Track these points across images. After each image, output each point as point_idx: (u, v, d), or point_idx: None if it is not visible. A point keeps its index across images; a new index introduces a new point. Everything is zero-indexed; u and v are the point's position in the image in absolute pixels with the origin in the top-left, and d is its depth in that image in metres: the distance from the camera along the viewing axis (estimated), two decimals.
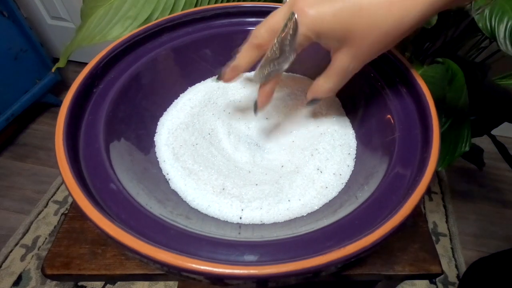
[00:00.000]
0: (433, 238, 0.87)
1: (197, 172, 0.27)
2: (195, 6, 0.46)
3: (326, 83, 0.27)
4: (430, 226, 0.90)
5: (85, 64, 0.27)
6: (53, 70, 0.51)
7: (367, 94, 0.30)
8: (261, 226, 0.24)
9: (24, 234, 0.85)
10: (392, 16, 0.21)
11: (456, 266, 0.82)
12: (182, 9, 0.45)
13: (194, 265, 0.17)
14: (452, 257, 0.84)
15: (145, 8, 0.43)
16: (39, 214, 0.89)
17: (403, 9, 0.21)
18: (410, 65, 0.28)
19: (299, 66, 0.36)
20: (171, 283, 0.78)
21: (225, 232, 0.23)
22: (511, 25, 0.44)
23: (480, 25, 0.45)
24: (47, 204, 0.91)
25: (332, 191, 0.26)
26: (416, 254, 0.27)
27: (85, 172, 0.22)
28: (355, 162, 0.28)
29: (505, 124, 0.58)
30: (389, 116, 0.27)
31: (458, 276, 0.80)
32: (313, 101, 0.28)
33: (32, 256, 0.82)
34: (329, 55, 0.26)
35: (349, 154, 0.29)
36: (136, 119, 0.29)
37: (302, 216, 0.25)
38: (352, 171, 0.27)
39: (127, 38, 0.30)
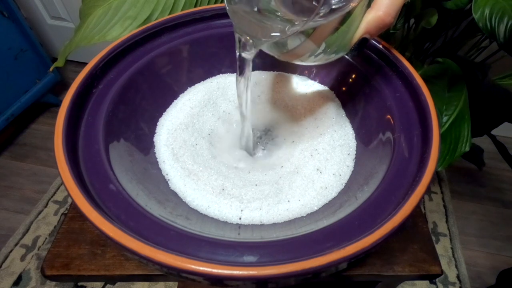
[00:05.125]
0: (433, 238, 0.87)
1: (196, 172, 0.27)
2: (195, 6, 0.46)
3: (382, 8, 0.22)
4: (430, 226, 0.90)
5: (85, 64, 0.27)
6: (51, 69, 0.51)
7: (366, 94, 0.30)
8: (261, 226, 0.24)
9: (24, 234, 0.85)
10: None
11: (456, 266, 0.82)
12: (182, 9, 0.45)
13: (193, 266, 0.17)
14: (452, 257, 0.84)
15: (145, 8, 0.43)
16: (39, 214, 0.89)
17: None
18: (410, 65, 0.28)
19: (299, 67, 0.36)
20: (171, 283, 0.78)
21: (224, 232, 0.23)
22: (511, 25, 0.43)
23: (480, 25, 0.45)
24: (47, 204, 0.91)
25: (332, 191, 0.26)
26: (416, 255, 0.27)
27: (84, 172, 0.22)
28: (355, 162, 0.28)
29: (505, 124, 0.58)
30: (389, 116, 0.27)
31: (458, 276, 0.80)
32: (361, 44, 0.23)
33: (32, 256, 0.81)
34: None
35: (348, 154, 0.29)
36: (136, 120, 0.29)
37: (302, 217, 0.25)
38: (352, 171, 0.27)
39: (126, 39, 0.30)
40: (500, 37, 0.44)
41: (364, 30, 0.22)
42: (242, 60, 0.24)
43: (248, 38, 0.23)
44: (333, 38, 0.22)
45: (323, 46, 0.22)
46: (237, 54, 0.24)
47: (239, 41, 0.23)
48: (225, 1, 0.22)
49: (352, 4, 0.20)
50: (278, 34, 0.20)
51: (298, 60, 0.24)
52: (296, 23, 0.19)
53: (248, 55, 0.24)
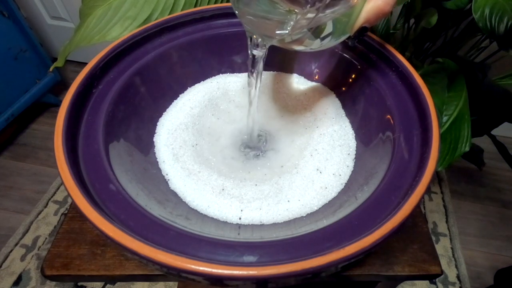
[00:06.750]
0: (433, 238, 0.87)
1: (196, 172, 0.27)
2: (195, 6, 0.46)
3: None
4: (430, 226, 0.90)
5: (85, 64, 0.27)
6: (50, 69, 0.50)
7: (366, 94, 0.30)
8: (261, 226, 0.24)
9: (24, 234, 0.85)
10: None
11: (456, 266, 0.82)
12: (182, 9, 0.45)
13: (193, 266, 0.17)
14: (452, 257, 0.84)
15: (145, 8, 0.43)
16: (39, 214, 0.89)
17: None
18: (410, 65, 0.28)
19: (299, 67, 0.36)
20: (171, 283, 0.78)
21: (224, 232, 0.23)
22: (511, 25, 0.43)
23: (480, 25, 0.45)
24: (47, 204, 0.91)
25: (332, 191, 0.26)
26: (416, 255, 0.27)
27: (84, 173, 0.22)
28: (355, 162, 0.28)
29: (505, 124, 0.58)
30: (388, 116, 0.27)
31: (458, 276, 0.80)
32: (360, 32, 0.24)
33: (32, 256, 0.81)
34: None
35: (348, 154, 0.29)
36: (136, 120, 0.29)
37: (302, 217, 0.25)
38: (352, 171, 0.27)
39: (126, 39, 0.30)
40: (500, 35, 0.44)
41: (364, 19, 0.23)
42: (254, 57, 0.25)
43: (255, 36, 0.24)
44: (334, 27, 0.23)
45: (323, 34, 0.23)
46: (249, 51, 0.25)
47: (250, 39, 0.24)
48: (232, 5, 0.22)
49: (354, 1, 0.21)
50: (285, 31, 0.21)
51: (301, 46, 0.24)
52: (304, 14, 0.20)
53: (259, 52, 0.25)
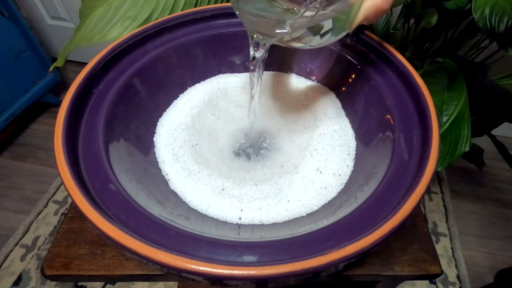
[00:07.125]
0: (433, 238, 0.87)
1: (196, 172, 0.27)
2: (195, 6, 0.46)
3: None
4: (430, 226, 0.90)
5: (85, 64, 0.27)
6: (50, 69, 0.51)
7: (366, 94, 0.30)
8: (261, 226, 0.24)
9: (24, 234, 0.85)
10: None
11: (456, 266, 0.82)
12: (182, 9, 0.45)
13: (193, 266, 0.17)
14: (452, 257, 0.84)
15: (145, 8, 0.43)
16: (39, 214, 0.89)
17: None
18: (410, 65, 0.28)
19: (298, 67, 0.36)
20: (171, 283, 0.78)
21: (224, 232, 0.23)
22: (511, 25, 0.43)
23: (480, 25, 0.45)
24: (47, 204, 0.91)
25: (332, 191, 0.26)
26: (416, 255, 0.27)
27: (84, 172, 0.22)
28: (355, 162, 0.28)
29: (505, 124, 0.58)
30: (388, 116, 0.27)
31: (458, 276, 0.80)
32: (359, 30, 0.24)
33: (32, 256, 0.81)
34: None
35: (348, 154, 0.29)
36: (136, 120, 0.29)
37: (302, 217, 0.25)
38: (352, 171, 0.27)
39: (126, 39, 0.30)
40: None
41: (363, 16, 0.23)
42: (255, 56, 0.25)
43: (255, 36, 0.24)
44: (333, 24, 0.23)
45: (322, 31, 0.23)
46: (251, 50, 0.25)
47: (251, 38, 0.24)
48: (232, 4, 0.22)
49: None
50: (285, 30, 0.21)
51: (300, 43, 0.24)
52: (303, 13, 0.20)
53: (260, 51, 0.25)
